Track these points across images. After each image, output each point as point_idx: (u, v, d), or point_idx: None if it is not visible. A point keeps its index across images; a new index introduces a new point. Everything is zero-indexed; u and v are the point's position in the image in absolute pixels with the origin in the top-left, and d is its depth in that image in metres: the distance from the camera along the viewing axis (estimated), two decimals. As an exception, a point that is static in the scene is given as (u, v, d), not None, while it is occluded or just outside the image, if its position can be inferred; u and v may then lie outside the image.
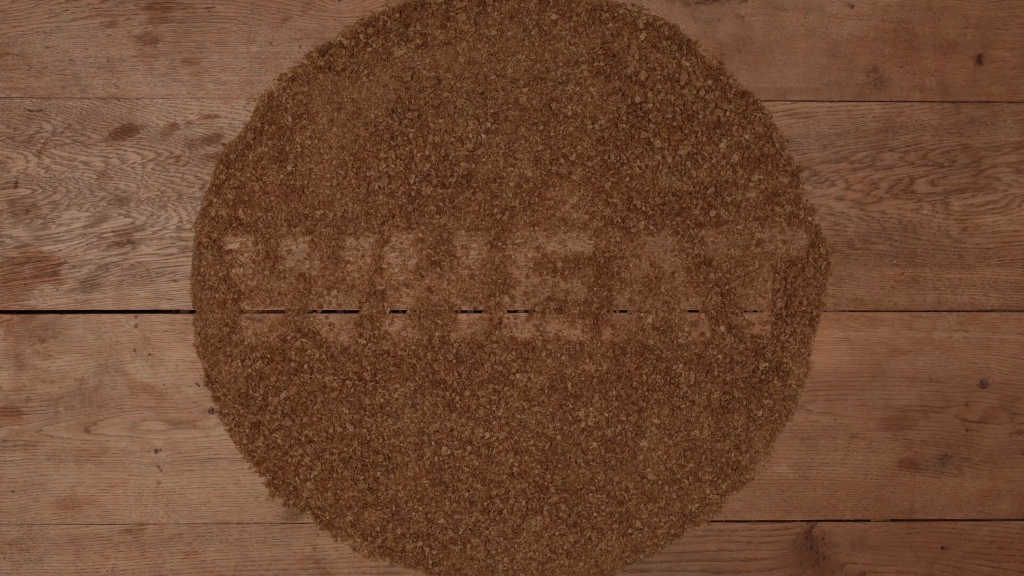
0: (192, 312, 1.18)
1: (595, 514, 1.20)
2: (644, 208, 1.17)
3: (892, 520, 1.23)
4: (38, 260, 1.17)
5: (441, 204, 1.17)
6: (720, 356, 1.19)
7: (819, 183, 1.19)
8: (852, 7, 1.18)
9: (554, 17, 1.16)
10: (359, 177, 1.16)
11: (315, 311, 1.18)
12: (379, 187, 1.16)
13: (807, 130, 1.19)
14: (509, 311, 1.18)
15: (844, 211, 1.19)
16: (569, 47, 1.16)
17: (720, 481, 1.21)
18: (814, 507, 1.23)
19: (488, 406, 1.18)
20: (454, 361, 1.18)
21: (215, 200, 1.16)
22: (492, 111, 1.16)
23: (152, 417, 1.19)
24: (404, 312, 1.18)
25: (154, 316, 1.18)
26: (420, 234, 1.17)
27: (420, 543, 1.20)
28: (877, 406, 1.21)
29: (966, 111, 1.19)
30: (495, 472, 1.19)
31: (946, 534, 1.23)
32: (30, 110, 1.16)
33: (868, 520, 1.23)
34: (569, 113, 1.16)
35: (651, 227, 1.18)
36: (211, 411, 1.19)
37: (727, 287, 1.18)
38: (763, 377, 1.19)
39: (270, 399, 1.18)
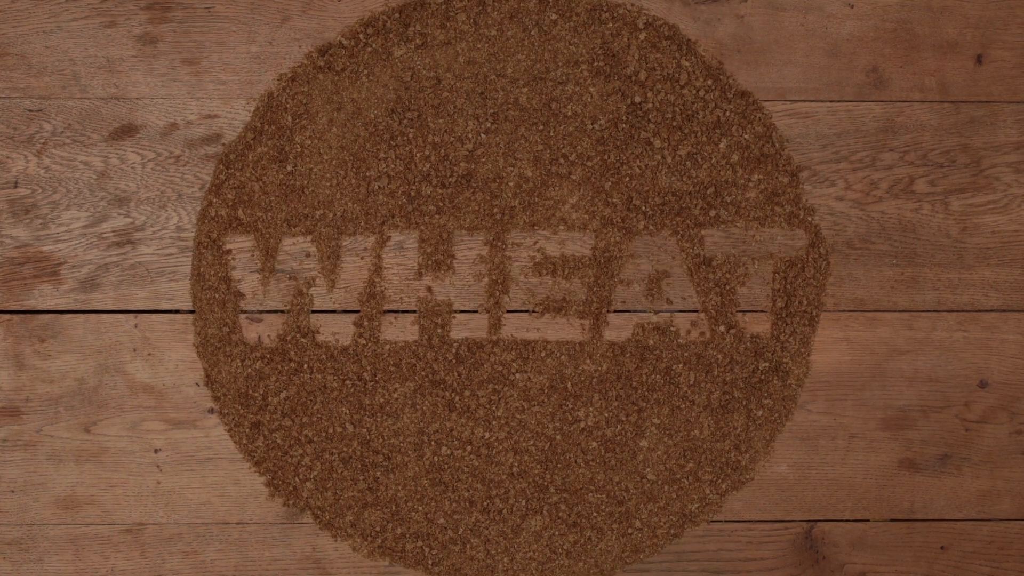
0: (192, 312, 1.18)
1: (595, 514, 1.20)
2: (644, 208, 1.17)
3: (892, 520, 1.23)
4: (38, 260, 1.17)
5: (441, 204, 1.17)
6: (720, 356, 1.19)
7: (819, 183, 1.19)
8: (852, 7, 1.18)
9: (554, 17, 1.16)
10: (359, 177, 1.16)
11: (315, 311, 1.18)
12: (379, 187, 1.16)
13: (807, 130, 1.19)
14: (509, 311, 1.18)
15: (844, 211, 1.19)
16: (569, 47, 1.16)
17: (720, 481, 1.21)
18: (814, 507, 1.23)
19: (488, 406, 1.18)
20: (454, 361, 1.18)
21: (215, 200, 1.16)
22: (492, 111, 1.16)
23: (152, 417, 1.19)
24: (404, 312, 1.18)
25: (154, 316, 1.18)
26: (420, 234, 1.17)
27: (420, 543, 1.20)
28: (877, 406, 1.21)
29: (966, 111, 1.19)
30: (495, 472, 1.19)
31: (946, 534, 1.23)
32: (30, 110, 1.16)
33: (868, 520, 1.23)
34: (569, 113, 1.16)
35: (651, 227, 1.18)
36: (211, 411, 1.19)
37: (727, 287, 1.18)
38: (763, 377, 1.19)
39: (270, 399, 1.18)
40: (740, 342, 1.19)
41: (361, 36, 1.16)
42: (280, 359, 1.17)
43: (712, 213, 1.18)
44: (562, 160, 1.17)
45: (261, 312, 1.18)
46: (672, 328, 1.18)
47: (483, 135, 1.16)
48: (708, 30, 1.17)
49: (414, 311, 1.18)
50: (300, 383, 1.18)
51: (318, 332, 1.17)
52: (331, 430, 1.18)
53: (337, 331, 1.18)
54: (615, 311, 1.18)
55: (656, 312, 1.18)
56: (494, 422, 1.19)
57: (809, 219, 1.19)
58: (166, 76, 1.16)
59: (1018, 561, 1.24)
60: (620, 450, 1.19)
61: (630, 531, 1.21)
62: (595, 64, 1.16)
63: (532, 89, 1.16)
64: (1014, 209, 1.20)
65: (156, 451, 1.19)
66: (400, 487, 1.19)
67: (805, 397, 1.21)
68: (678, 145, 1.17)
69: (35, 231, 1.17)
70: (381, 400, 1.18)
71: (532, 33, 1.16)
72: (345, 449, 1.18)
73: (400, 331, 1.18)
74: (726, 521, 1.22)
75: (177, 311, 1.18)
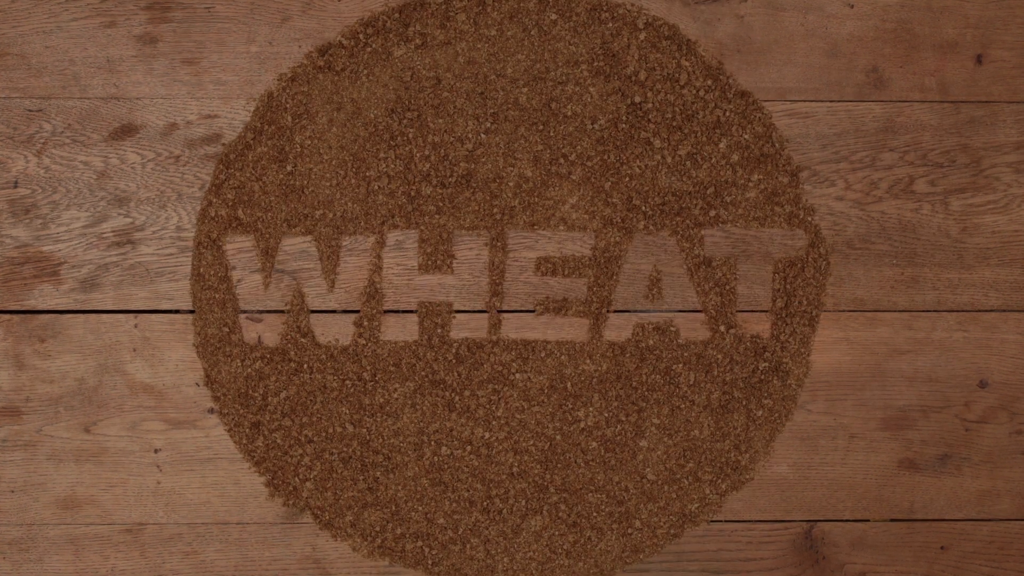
0: (192, 312, 1.18)
1: (595, 514, 1.20)
2: (644, 208, 1.17)
3: (892, 520, 1.23)
4: (38, 260, 1.17)
5: (441, 204, 1.17)
6: (720, 356, 1.19)
7: (819, 183, 1.19)
8: (852, 7, 1.18)
9: (554, 17, 1.16)
10: (359, 177, 1.16)
11: (315, 311, 1.18)
12: (379, 187, 1.16)
13: (807, 130, 1.19)
14: (509, 311, 1.18)
15: (844, 211, 1.19)
16: (569, 47, 1.16)
17: (720, 481, 1.21)
18: (814, 507, 1.23)
19: (488, 406, 1.18)
20: (454, 361, 1.18)
21: (215, 200, 1.16)
22: (492, 111, 1.16)
23: (152, 417, 1.19)
24: (404, 312, 1.18)
25: (154, 316, 1.18)
26: (420, 234, 1.17)
27: (420, 543, 1.20)
28: (877, 406, 1.21)
29: (966, 111, 1.19)
30: (495, 472, 1.19)
31: (946, 534, 1.23)
32: (30, 110, 1.16)
33: (868, 520, 1.23)
34: (569, 113, 1.16)
35: (651, 227, 1.18)
36: (211, 411, 1.19)
37: (727, 287, 1.18)
38: (763, 377, 1.19)
39: (270, 399, 1.18)
40: (740, 342, 1.19)
41: (361, 36, 1.16)
42: (280, 359, 1.17)
43: (712, 213, 1.18)
44: (562, 160, 1.17)
45: (261, 312, 1.18)
46: (672, 328, 1.18)
47: (483, 135, 1.16)
48: (708, 30, 1.17)
49: (414, 311, 1.18)
50: (300, 383, 1.18)
51: (318, 332, 1.17)
52: (331, 430, 1.18)
53: (337, 331, 1.18)
54: (615, 311, 1.18)
55: (656, 312, 1.18)
56: (494, 422, 1.19)
57: (809, 219, 1.19)
58: (166, 76, 1.16)
59: (1018, 561, 1.24)
60: (620, 450, 1.19)
61: (630, 531, 1.21)
62: (595, 64, 1.16)
63: (532, 89, 1.16)
64: (1014, 209, 1.20)
65: (156, 451, 1.19)
66: (400, 487, 1.19)
67: (805, 397, 1.21)
68: (678, 145, 1.17)
69: (35, 231, 1.17)
70: (381, 400, 1.18)
71: (532, 33, 1.16)
72: (345, 449, 1.18)
73: (400, 331, 1.18)
74: (726, 521, 1.22)
75: (177, 311, 1.18)
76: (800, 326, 1.19)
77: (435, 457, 1.19)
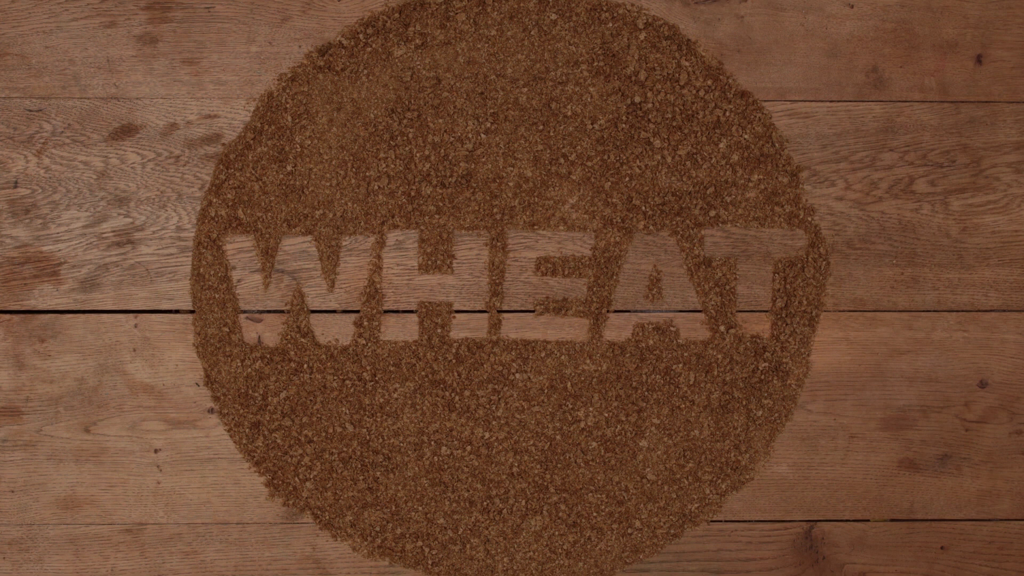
0: (192, 312, 1.18)
1: (595, 514, 1.20)
2: (644, 208, 1.17)
3: (892, 520, 1.23)
4: (38, 260, 1.17)
5: (441, 204, 1.17)
6: (720, 356, 1.19)
7: (819, 183, 1.19)
8: (852, 7, 1.18)
9: (554, 17, 1.16)
10: (359, 177, 1.16)
11: (315, 311, 1.18)
12: (379, 187, 1.16)
13: (807, 130, 1.19)
14: (509, 311, 1.18)
15: (844, 211, 1.19)
16: (569, 47, 1.16)
17: (720, 481, 1.21)
18: (814, 507, 1.23)
19: (488, 406, 1.18)
20: (454, 361, 1.18)
21: (215, 200, 1.16)
22: (492, 111, 1.16)
23: (152, 417, 1.19)
24: (404, 312, 1.18)
25: (154, 316, 1.18)
26: (420, 234, 1.17)
27: (420, 543, 1.20)
28: (877, 406, 1.21)
29: (966, 111, 1.19)
30: (495, 472, 1.19)
31: (946, 534, 1.23)
32: (30, 110, 1.16)
33: (868, 520, 1.23)
34: (569, 113, 1.16)
35: (651, 227, 1.18)
36: (211, 411, 1.19)
37: (727, 287, 1.18)
38: (763, 377, 1.19)
39: (270, 399, 1.18)
40: (740, 342, 1.19)
41: (361, 36, 1.16)
42: (280, 359, 1.17)
43: (712, 213, 1.18)
44: (562, 160, 1.17)
45: (261, 312, 1.18)
46: (672, 328, 1.18)
47: (483, 135, 1.16)
48: (708, 30, 1.17)
49: (414, 311, 1.18)
50: (300, 383, 1.18)
51: (318, 332, 1.17)
52: (331, 430, 1.18)
53: (337, 331, 1.18)
54: (615, 311, 1.18)
55: (656, 312, 1.18)
56: (494, 422, 1.19)
57: (809, 219, 1.19)
58: (166, 76, 1.16)
59: (1018, 561, 1.24)
60: (620, 450, 1.19)
61: (630, 531, 1.21)
62: (595, 64, 1.16)
63: (532, 89, 1.16)
64: (1014, 209, 1.20)
65: (156, 451, 1.19)
66: (400, 487, 1.19)
67: (805, 397, 1.21)
68: (678, 145, 1.17)
69: (35, 231, 1.17)
70: (381, 400, 1.18)
71: (532, 33, 1.16)
72: (345, 449, 1.18)
73: (400, 331, 1.18)
74: (726, 521, 1.22)
75: (177, 311, 1.18)
76: (800, 326, 1.19)
77: (435, 457, 1.19)
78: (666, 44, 1.17)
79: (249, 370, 1.17)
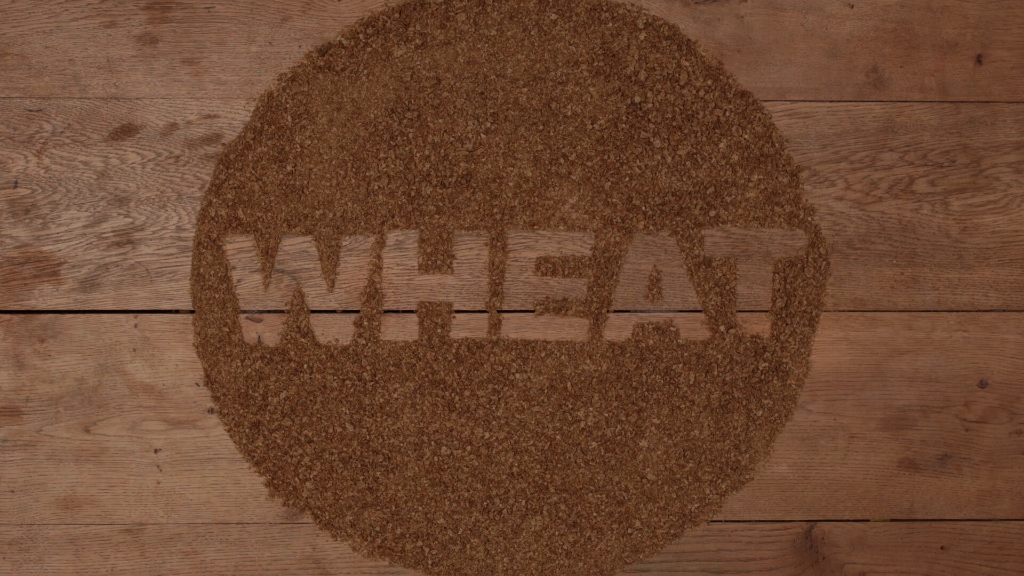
0: (192, 312, 1.18)
1: (595, 514, 1.20)
2: (644, 208, 1.17)
3: (892, 520, 1.23)
4: (38, 260, 1.17)
5: (441, 204, 1.17)
6: (720, 356, 1.19)
7: (819, 183, 1.19)
8: (852, 7, 1.18)
9: (554, 17, 1.16)
10: (359, 177, 1.16)
11: (315, 311, 1.18)
12: (379, 187, 1.16)
13: (807, 130, 1.19)
14: (509, 311, 1.18)
15: (844, 211, 1.19)
16: (569, 47, 1.16)
17: (720, 481, 1.21)
18: (814, 507, 1.23)
19: (488, 406, 1.18)
20: (454, 361, 1.18)
21: (215, 200, 1.16)
22: (492, 111, 1.16)
23: (152, 417, 1.19)
24: (404, 312, 1.18)
25: (154, 316, 1.18)
26: (420, 234, 1.17)
27: (420, 543, 1.20)
28: (877, 406, 1.21)
29: (966, 111, 1.19)
30: (495, 472, 1.19)
31: (946, 534, 1.23)
32: (30, 110, 1.16)
33: (868, 520, 1.23)
34: (569, 113, 1.16)
35: (651, 227, 1.18)
36: (211, 411, 1.19)
37: (727, 287, 1.18)
38: (763, 377, 1.19)
39: (270, 399, 1.18)
40: (740, 342, 1.19)
41: (361, 36, 1.16)
42: (280, 359, 1.17)
43: (712, 213, 1.18)
44: (562, 160, 1.17)
45: (261, 312, 1.18)
46: (672, 328, 1.18)
47: (483, 135, 1.16)
48: (708, 30, 1.17)
49: (414, 311, 1.18)
50: (300, 383, 1.18)
51: (318, 332, 1.17)
52: (331, 430, 1.18)
53: (337, 331, 1.18)
54: (615, 311, 1.18)
55: (656, 312, 1.18)
56: (494, 422, 1.19)
57: (809, 219, 1.19)
58: (166, 76, 1.16)
59: (1018, 561, 1.24)
60: (620, 450, 1.19)
61: (630, 531, 1.21)
62: (595, 64, 1.16)
63: (532, 89, 1.16)
64: (1014, 209, 1.20)
65: (156, 451, 1.19)
66: (400, 487, 1.19)
67: (805, 397, 1.21)
68: (678, 145, 1.17)
69: (35, 231, 1.17)
70: (381, 400, 1.18)
71: (532, 33, 1.16)
72: (345, 449, 1.18)
73: (400, 331, 1.18)
74: (726, 521, 1.22)
75: (177, 311, 1.18)
76: (800, 326, 1.19)
77: (435, 457, 1.19)
78: (666, 44, 1.17)
79: (249, 370, 1.17)
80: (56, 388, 1.18)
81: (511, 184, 1.17)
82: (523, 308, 1.19)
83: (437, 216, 1.17)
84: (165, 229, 1.17)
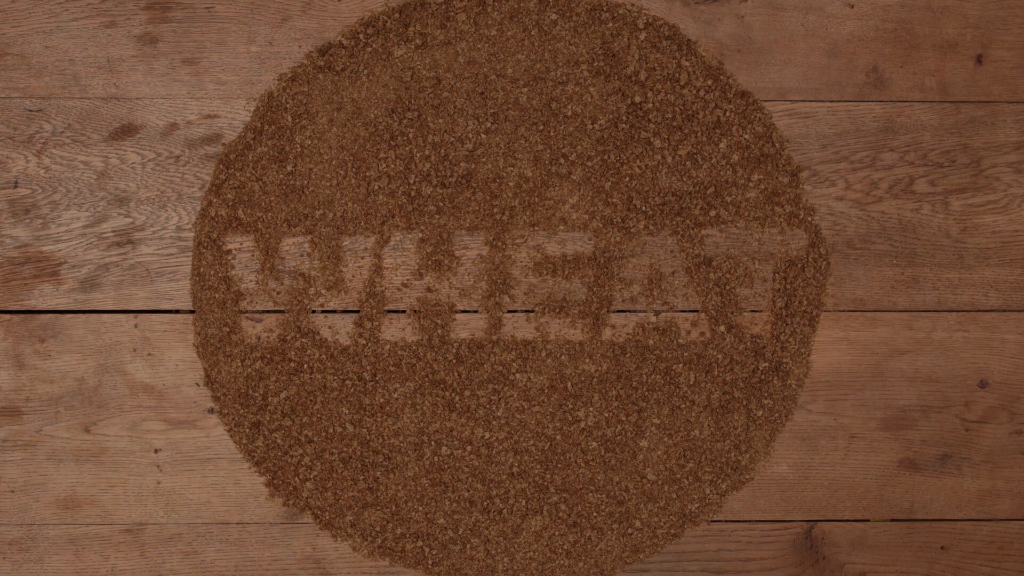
0: (192, 312, 1.18)
1: (595, 514, 1.20)
2: (644, 208, 1.17)
3: (892, 520, 1.23)
4: (38, 260, 1.17)
5: (441, 204, 1.17)
6: (720, 356, 1.19)
7: (819, 183, 1.19)
8: (852, 7, 1.18)
9: (554, 17, 1.16)
10: (359, 177, 1.16)
11: (315, 311, 1.18)
12: (379, 187, 1.16)
13: (807, 130, 1.19)
14: (509, 311, 1.18)
15: (844, 211, 1.19)
16: (569, 47, 1.16)
17: (720, 481, 1.21)
18: (814, 507, 1.23)
19: (488, 406, 1.18)
20: (454, 361, 1.18)
21: (215, 200, 1.16)
22: (492, 111, 1.16)
23: (152, 417, 1.19)
24: (404, 312, 1.18)
25: (154, 316, 1.18)
26: (420, 234, 1.17)
27: (420, 543, 1.20)
28: (877, 406, 1.21)
29: (966, 111, 1.19)
30: (495, 472, 1.19)
31: (946, 534, 1.23)
32: (30, 110, 1.16)
33: (868, 520, 1.23)
34: (569, 113, 1.16)
35: (651, 227, 1.18)
36: (211, 411, 1.19)
37: (727, 287, 1.18)
38: (763, 377, 1.19)
39: (270, 399, 1.18)
40: (740, 342, 1.19)
41: (361, 36, 1.16)
42: (280, 359, 1.17)
43: (712, 213, 1.18)
44: (562, 160, 1.17)
45: (261, 312, 1.18)
46: (672, 328, 1.18)
47: (483, 135, 1.16)
48: (708, 30, 1.17)
49: (414, 311, 1.18)
50: (300, 383, 1.18)
51: (318, 332, 1.17)
52: (331, 430, 1.18)
53: (337, 331, 1.18)
54: (615, 311, 1.18)
55: (656, 313, 1.18)
56: (494, 422, 1.19)
57: (809, 219, 1.19)
58: (166, 76, 1.16)
59: (1018, 561, 1.24)
60: (620, 450, 1.19)
61: (630, 531, 1.21)
62: (595, 64, 1.16)
63: (532, 89, 1.16)
64: (1014, 209, 1.20)
65: (156, 451, 1.19)
66: (400, 487, 1.19)
67: (805, 397, 1.21)
68: (678, 145, 1.17)
69: (35, 231, 1.17)
70: (381, 400, 1.18)
71: (532, 33, 1.16)
72: (345, 449, 1.18)
73: (400, 331, 1.18)
74: (726, 521, 1.22)
75: (177, 311, 1.18)
76: (800, 326, 1.19)
77: (435, 457, 1.19)
78: (666, 44, 1.17)
79: (249, 370, 1.17)
80: (56, 388, 1.18)
81: (511, 184, 1.17)
82: (523, 308, 1.19)
83: (437, 216, 1.17)
84: (165, 229, 1.17)
